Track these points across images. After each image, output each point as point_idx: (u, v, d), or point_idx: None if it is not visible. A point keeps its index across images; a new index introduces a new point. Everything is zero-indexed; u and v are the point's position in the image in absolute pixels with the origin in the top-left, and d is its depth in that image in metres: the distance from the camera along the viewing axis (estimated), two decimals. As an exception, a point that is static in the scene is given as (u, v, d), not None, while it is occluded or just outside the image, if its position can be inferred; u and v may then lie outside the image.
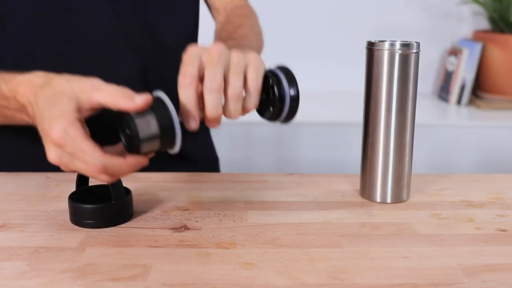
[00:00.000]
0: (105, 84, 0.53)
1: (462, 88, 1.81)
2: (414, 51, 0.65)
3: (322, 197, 0.71)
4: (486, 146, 1.63)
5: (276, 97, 0.58)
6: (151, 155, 0.55)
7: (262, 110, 0.60)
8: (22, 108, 0.58)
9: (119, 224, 0.62)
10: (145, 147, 0.53)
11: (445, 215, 0.66)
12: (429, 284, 0.50)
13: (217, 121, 0.56)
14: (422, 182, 0.77)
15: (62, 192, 0.72)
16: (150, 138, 0.53)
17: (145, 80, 0.84)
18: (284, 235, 0.60)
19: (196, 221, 0.63)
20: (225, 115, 0.56)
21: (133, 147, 0.54)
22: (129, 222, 0.63)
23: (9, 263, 0.53)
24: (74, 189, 0.64)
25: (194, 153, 0.92)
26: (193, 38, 0.91)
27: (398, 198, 0.69)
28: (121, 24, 0.81)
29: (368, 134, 0.69)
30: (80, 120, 0.53)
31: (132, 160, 0.54)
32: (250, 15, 0.93)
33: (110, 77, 0.80)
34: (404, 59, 0.65)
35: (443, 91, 1.89)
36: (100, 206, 0.61)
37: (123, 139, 0.56)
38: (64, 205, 0.64)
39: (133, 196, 0.65)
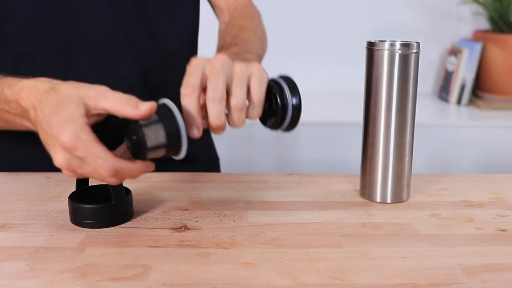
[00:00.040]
0: (111, 91, 0.54)
1: (462, 88, 1.81)
2: (414, 51, 0.65)
3: (322, 197, 0.71)
4: (486, 146, 1.63)
5: (279, 106, 0.59)
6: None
7: (264, 118, 0.61)
8: (23, 113, 0.58)
9: (119, 224, 0.62)
10: (151, 155, 0.54)
11: (445, 215, 0.66)
12: (429, 284, 0.50)
13: (221, 129, 0.57)
14: (422, 182, 0.77)
15: (62, 192, 0.72)
16: (157, 147, 0.54)
17: (146, 80, 0.84)
18: (284, 235, 0.60)
19: (196, 221, 0.63)
20: (229, 124, 0.57)
21: (139, 154, 0.54)
22: (129, 222, 0.63)
23: (9, 263, 0.53)
24: (74, 189, 0.64)
25: (195, 153, 0.92)
26: (194, 38, 0.91)
27: (398, 198, 0.69)
28: (121, 24, 0.81)
29: (368, 134, 0.69)
30: (89, 125, 0.53)
31: (141, 164, 0.55)
32: (253, 15, 0.93)
33: (110, 77, 0.81)
34: (404, 59, 0.65)
35: (443, 91, 1.90)
36: (100, 206, 0.61)
37: (129, 144, 0.56)
38: (64, 205, 0.64)
39: (133, 196, 0.65)
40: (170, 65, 0.87)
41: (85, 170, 0.53)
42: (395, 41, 0.65)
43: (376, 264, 0.53)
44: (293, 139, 1.60)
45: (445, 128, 1.64)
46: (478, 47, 1.78)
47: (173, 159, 0.57)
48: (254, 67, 0.58)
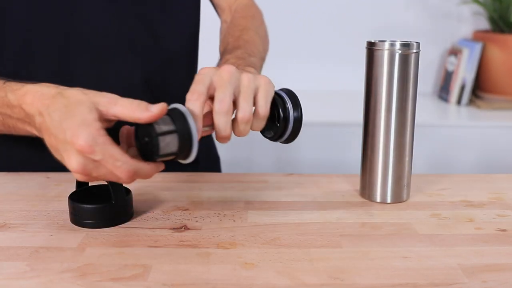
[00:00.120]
0: (121, 98, 0.54)
1: (462, 88, 1.81)
2: (414, 51, 0.65)
3: (322, 197, 0.71)
4: (486, 146, 1.63)
5: (281, 119, 0.60)
6: None
7: (264, 129, 0.62)
8: (26, 118, 0.58)
9: (119, 224, 0.62)
10: (160, 159, 0.55)
11: (445, 215, 0.66)
12: (429, 284, 0.50)
13: (227, 139, 0.58)
14: (422, 182, 0.77)
15: (62, 192, 0.72)
16: (168, 154, 0.55)
17: (147, 80, 0.84)
18: (284, 235, 0.60)
19: (196, 221, 0.63)
20: (234, 134, 0.58)
21: (149, 157, 0.55)
22: (129, 222, 0.63)
23: (9, 263, 0.53)
24: (74, 189, 0.64)
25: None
26: (195, 38, 0.91)
27: (398, 198, 0.69)
28: (122, 24, 0.81)
29: (368, 134, 0.69)
30: (104, 129, 0.53)
31: (154, 165, 0.55)
32: (255, 15, 0.93)
33: (111, 77, 0.81)
34: (404, 59, 0.65)
35: (443, 91, 1.90)
36: (100, 206, 0.61)
37: (138, 144, 0.56)
38: (64, 205, 0.64)
39: (133, 196, 0.65)
40: (171, 65, 0.87)
41: (100, 173, 0.53)
42: (395, 41, 0.65)
43: (376, 264, 0.53)
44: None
45: (445, 128, 1.64)
46: (478, 47, 1.78)
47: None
48: (261, 80, 0.59)
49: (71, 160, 0.52)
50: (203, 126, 0.56)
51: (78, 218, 0.61)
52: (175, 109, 0.55)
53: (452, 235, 0.60)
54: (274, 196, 0.71)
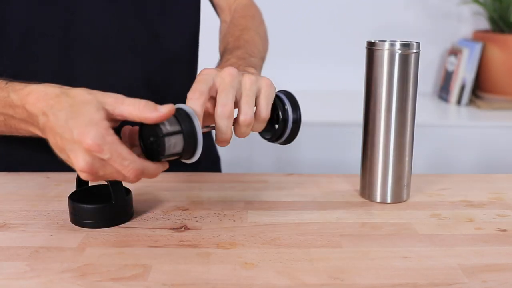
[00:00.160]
0: (127, 97, 0.54)
1: (462, 88, 1.81)
2: (414, 51, 0.65)
3: (322, 197, 0.71)
4: (486, 146, 1.63)
5: (280, 120, 0.61)
6: None
7: (263, 130, 0.62)
8: (29, 118, 0.57)
9: (119, 224, 0.62)
10: (165, 159, 0.55)
11: (445, 215, 0.66)
12: (429, 284, 0.50)
13: (227, 142, 0.58)
14: (422, 182, 0.77)
15: (62, 192, 0.72)
16: (173, 155, 0.55)
17: (147, 80, 0.84)
18: (284, 235, 0.60)
19: (196, 221, 0.63)
20: (235, 135, 0.59)
21: (155, 157, 0.55)
22: (129, 222, 0.63)
23: (9, 263, 0.53)
24: (74, 189, 0.64)
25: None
26: (195, 38, 0.91)
27: (398, 198, 0.69)
28: (122, 24, 0.81)
29: (368, 134, 0.69)
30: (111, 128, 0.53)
31: (160, 164, 0.56)
32: (255, 15, 0.93)
33: (111, 77, 0.81)
34: (404, 59, 0.65)
35: (443, 91, 1.89)
36: (100, 206, 0.61)
37: (142, 143, 0.56)
38: (64, 205, 0.64)
39: (133, 196, 0.65)
40: (172, 65, 0.87)
41: (106, 172, 0.53)
42: (395, 41, 0.65)
43: (376, 264, 0.53)
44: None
45: (445, 128, 1.64)
46: (478, 47, 1.78)
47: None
48: (263, 82, 0.59)
49: (78, 159, 0.52)
50: (202, 127, 0.56)
51: (78, 218, 0.61)
52: (180, 109, 0.55)
53: (452, 235, 0.60)
54: (274, 196, 0.71)
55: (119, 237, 0.59)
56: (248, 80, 0.58)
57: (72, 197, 0.62)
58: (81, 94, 0.53)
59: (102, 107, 0.52)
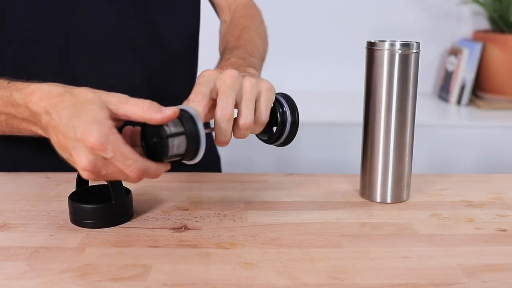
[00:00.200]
0: (131, 97, 0.54)
1: (462, 88, 1.81)
2: (414, 51, 0.65)
3: (322, 197, 0.71)
4: (486, 146, 1.63)
5: (278, 122, 0.61)
6: None
7: (261, 132, 0.62)
8: (31, 117, 0.57)
9: (119, 224, 0.62)
10: (167, 160, 0.55)
11: (445, 215, 0.66)
12: (429, 284, 0.50)
13: (226, 143, 0.58)
14: (422, 182, 0.77)
15: (62, 192, 0.72)
16: (175, 156, 0.55)
17: (147, 80, 0.84)
18: (284, 235, 0.60)
19: (196, 221, 0.63)
20: (234, 136, 0.59)
21: (157, 158, 0.55)
22: (129, 222, 0.63)
23: (9, 263, 0.53)
24: (74, 189, 0.64)
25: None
26: (195, 38, 0.91)
27: (398, 198, 0.69)
28: (122, 24, 0.81)
29: (368, 134, 0.69)
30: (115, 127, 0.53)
31: (162, 164, 0.56)
32: (255, 15, 0.93)
33: (111, 77, 0.81)
34: (404, 59, 0.65)
35: (443, 91, 1.89)
36: (100, 206, 0.61)
37: (145, 144, 0.56)
38: (64, 205, 0.64)
39: (133, 196, 0.65)
40: (172, 65, 0.87)
41: (109, 171, 0.53)
42: (395, 41, 0.65)
43: (376, 264, 0.53)
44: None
45: (445, 128, 1.64)
46: (478, 47, 1.78)
47: None
48: (263, 86, 0.59)
49: (81, 158, 0.51)
50: None
51: (78, 218, 0.61)
52: (184, 110, 0.55)
53: (452, 235, 0.60)
54: (274, 196, 0.71)
55: (119, 237, 0.59)
56: (249, 83, 0.58)
57: (72, 197, 0.62)
58: (84, 93, 0.53)
59: (106, 106, 0.52)
